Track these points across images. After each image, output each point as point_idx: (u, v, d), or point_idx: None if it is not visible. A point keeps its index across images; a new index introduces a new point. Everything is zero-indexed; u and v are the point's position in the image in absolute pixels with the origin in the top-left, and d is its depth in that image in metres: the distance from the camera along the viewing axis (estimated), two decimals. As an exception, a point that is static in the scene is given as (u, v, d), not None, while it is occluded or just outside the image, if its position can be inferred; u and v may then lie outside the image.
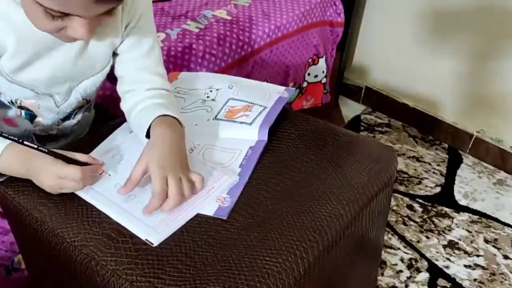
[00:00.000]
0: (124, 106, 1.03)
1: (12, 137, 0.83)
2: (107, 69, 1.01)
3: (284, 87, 1.12)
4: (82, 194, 0.87)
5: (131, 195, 0.86)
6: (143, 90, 1.00)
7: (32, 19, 0.80)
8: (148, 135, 0.93)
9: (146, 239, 0.79)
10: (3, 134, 0.83)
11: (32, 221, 0.86)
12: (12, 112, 0.99)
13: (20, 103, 0.98)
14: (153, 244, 0.79)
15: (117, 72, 1.03)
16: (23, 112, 1.00)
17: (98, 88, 1.05)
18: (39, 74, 0.93)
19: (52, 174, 0.84)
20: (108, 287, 0.77)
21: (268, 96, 1.08)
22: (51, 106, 1.00)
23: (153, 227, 0.81)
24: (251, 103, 1.06)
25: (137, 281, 0.74)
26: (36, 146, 0.84)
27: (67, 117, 1.06)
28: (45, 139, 1.07)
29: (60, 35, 0.82)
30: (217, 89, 1.11)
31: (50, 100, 0.99)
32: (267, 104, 1.05)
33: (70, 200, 0.87)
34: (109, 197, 0.86)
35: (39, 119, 1.02)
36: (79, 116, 1.09)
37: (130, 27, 0.97)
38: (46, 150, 0.84)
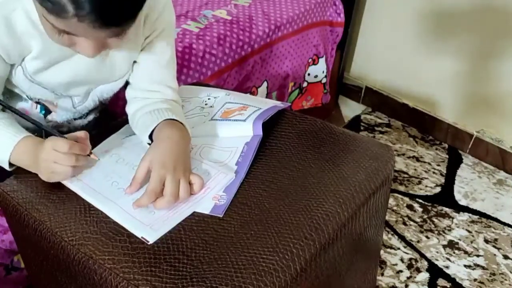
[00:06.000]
0: (130, 109, 1.03)
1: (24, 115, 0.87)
2: (126, 77, 1.03)
3: (280, 102, 1.12)
4: (80, 191, 0.88)
5: (127, 193, 0.87)
6: (152, 98, 1.01)
7: (45, 31, 0.81)
8: (151, 137, 0.94)
9: (142, 237, 0.80)
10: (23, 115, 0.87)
11: (30, 220, 0.86)
12: (28, 104, 1.01)
13: (38, 100, 1.00)
14: (149, 241, 0.79)
15: (130, 79, 1.04)
16: (38, 106, 1.02)
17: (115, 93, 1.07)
18: (60, 76, 0.94)
19: (47, 146, 0.84)
20: (106, 285, 0.77)
21: (264, 103, 1.09)
22: (69, 106, 1.03)
23: (149, 225, 0.81)
24: (246, 104, 1.06)
25: (134, 279, 0.74)
26: (44, 126, 0.89)
27: (80, 116, 1.09)
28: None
29: (72, 49, 0.83)
30: (215, 97, 1.12)
31: (68, 101, 1.02)
32: (262, 106, 1.05)
33: (68, 200, 0.87)
34: (106, 195, 0.87)
35: (53, 115, 1.04)
36: (91, 117, 1.12)
37: (150, 38, 0.98)
38: (56, 132, 0.88)
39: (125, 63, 0.99)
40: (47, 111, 1.04)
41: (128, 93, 1.05)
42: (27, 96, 0.99)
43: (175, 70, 1.06)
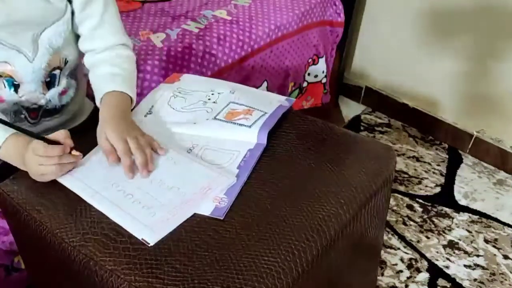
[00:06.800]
0: (85, 61, 1.11)
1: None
2: (66, 18, 1.03)
3: (285, 97, 1.13)
4: (80, 192, 0.88)
5: (129, 194, 0.87)
6: (101, 50, 1.08)
7: None
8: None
9: (142, 239, 0.80)
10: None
11: (30, 221, 0.86)
12: None
13: None
14: (149, 243, 0.79)
15: (77, 30, 1.07)
16: (5, 82, 1.02)
17: (69, 43, 1.07)
18: None
19: (30, 151, 0.89)
20: (107, 287, 0.77)
21: (269, 103, 1.08)
22: (25, 63, 1.01)
23: (150, 227, 0.81)
24: (251, 107, 1.06)
25: (135, 281, 0.74)
26: (23, 129, 0.92)
27: (51, 83, 1.08)
28: (38, 114, 1.09)
29: None
30: (219, 93, 1.12)
31: (20, 57, 1.00)
32: (268, 110, 1.05)
33: (68, 201, 0.87)
34: (106, 196, 0.87)
35: (22, 87, 1.04)
36: (63, 83, 1.10)
37: None
38: (35, 134, 0.92)
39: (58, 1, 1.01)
40: (16, 86, 1.03)
41: (80, 46, 1.10)
42: None
43: (117, 12, 1.10)
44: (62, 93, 1.11)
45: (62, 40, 1.04)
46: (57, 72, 1.07)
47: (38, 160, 0.88)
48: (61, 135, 0.91)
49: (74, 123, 1.17)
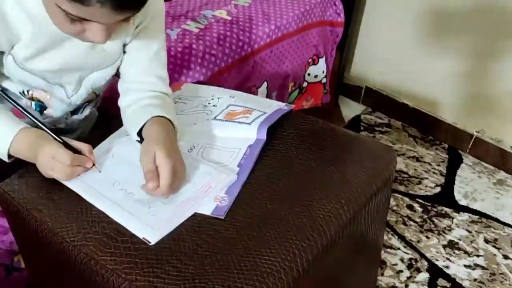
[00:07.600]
0: (121, 102, 1.04)
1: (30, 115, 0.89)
2: (117, 64, 1.02)
3: (284, 103, 1.13)
4: (81, 192, 0.88)
5: (130, 193, 0.87)
6: (143, 91, 1.01)
7: (53, 19, 0.82)
8: (139, 133, 0.95)
9: (143, 238, 0.80)
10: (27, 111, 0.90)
11: (31, 220, 0.86)
12: (23, 103, 1.00)
13: (31, 95, 0.99)
14: (150, 242, 0.79)
15: (121, 69, 1.04)
16: (33, 103, 1.02)
17: (108, 82, 1.07)
18: (51, 63, 0.94)
19: (47, 151, 0.86)
20: (108, 286, 0.77)
21: (268, 106, 1.08)
22: (63, 96, 1.02)
23: (151, 226, 0.81)
24: (251, 108, 1.06)
25: (136, 280, 0.74)
26: (47, 130, 0.89)
27: (76, 110, 1.08)
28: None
29: (79, 37, 0.83)
30: (218, 98, 1.12)
31: (61, 91, 1.01)
32: (267, 111, 1.05)
33: (69, 200, 0.87)
34: (107, 195, 0.87)
35: (49, 110, 1.04)
36: (87, 111, 1.11)
37: (141, 27, 0.99)
38: (56, 137, 0.89)
39: (115, 49, 0.99)
40: (42, 107, 1.03)
41: (120, 86, 1.05)
42: (20, 92, 0.98)
43: (166, 60, 1.06)
44: (83, 119, 1.12)
45: (104, 82, 1.04)
46: (85, 104, 1.09)
47: (54, 166, 0.86)
48: (86, 148, 0.90)
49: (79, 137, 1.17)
